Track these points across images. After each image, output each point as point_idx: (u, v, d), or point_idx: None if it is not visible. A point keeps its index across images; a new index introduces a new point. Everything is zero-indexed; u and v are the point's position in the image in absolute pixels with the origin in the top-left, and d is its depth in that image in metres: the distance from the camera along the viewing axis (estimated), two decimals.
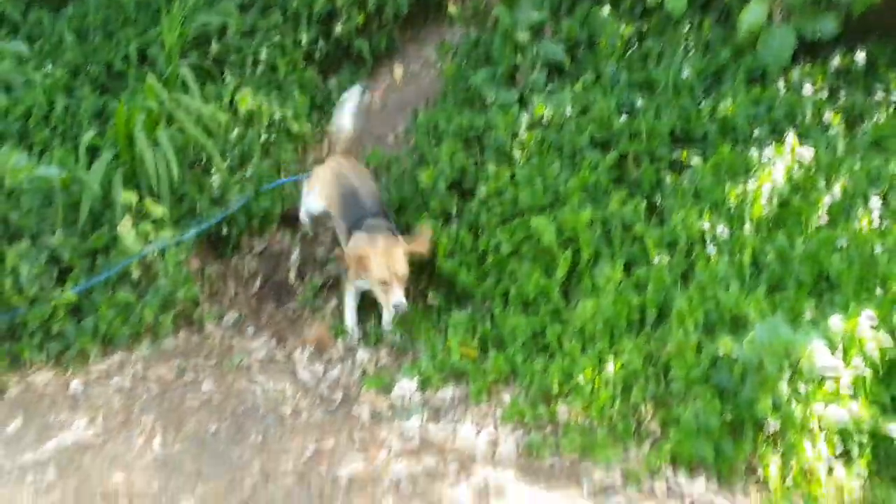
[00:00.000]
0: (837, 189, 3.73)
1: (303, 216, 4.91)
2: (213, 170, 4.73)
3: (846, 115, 4.22)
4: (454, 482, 3.05)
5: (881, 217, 3.56)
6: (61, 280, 4.01)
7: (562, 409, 3.34)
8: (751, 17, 4.62)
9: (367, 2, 5.67)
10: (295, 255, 5.00)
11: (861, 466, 2.77)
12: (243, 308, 4.67)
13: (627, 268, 3.83)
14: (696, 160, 4.18)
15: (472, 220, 4.39)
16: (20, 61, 5.12)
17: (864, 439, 2.80)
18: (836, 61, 4.49)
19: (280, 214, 5.10)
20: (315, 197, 4.68)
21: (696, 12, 5.01)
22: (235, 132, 4.98)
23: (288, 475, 3.17)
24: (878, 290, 3.18)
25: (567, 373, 3.44)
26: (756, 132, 4.18)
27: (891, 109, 4.17)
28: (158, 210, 4.25)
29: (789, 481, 2.80)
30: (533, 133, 4.57)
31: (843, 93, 4.36)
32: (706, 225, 3.78)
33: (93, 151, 4.49)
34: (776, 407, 2.88)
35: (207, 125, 4.85)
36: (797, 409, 2.84)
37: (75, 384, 3.72)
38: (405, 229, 4.62)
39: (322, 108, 5.63)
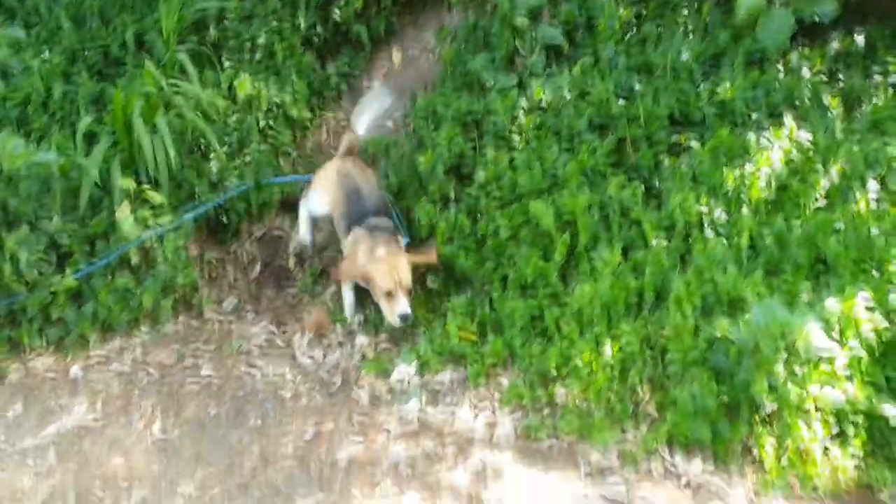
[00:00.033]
0: (835, 172, 3.73)
1: (302, 221, 4.76)
2: (211, 155, 4.72)
3: (845, 98, 4.20)
4: (452, 465, 3.08)
5: (878, 200, 3.56)
6: (60, 266, 4.02)
7: (560, 392, 3.36)
8: None
9: None
10: (294, 241, 5.01)
11: (856, 447, 2.79)
12: (243, 293, 4.68)
13: (625, 251, 3.82)
14: (694, 144, 4.17)
15: (471, 204, 4.39)
16: (18, 48, 5.11)
17: (860, 420, 2.82)
18: (834, 44, 4.47)
19: (279, 200, 5.10)
20: (318, 198, 4.62)
21: None
22: (234, 117, 4.97)
23: (287, 458, 3.19)
24: (875, 273, 3.18)
25: (565, 356, 3.45)
26: (754, 115, 4.17)
27: (889, 92, 4.16)
28: (156, 197, 4.26)
29: (785, 461, 2.82)
30: (531, 117, 4.56)
31: (841, 75, 4.34)
32: (704, 208, 3.78)
33: (91, 137, 4.48)
34: (772, 388, 2.89)
35: (206, 111, 4.85)
36: (793, 391, 2.85)
37: (75, 369, 3.74)
38: (405, 214, 4.63)
39: (321, 93, 5.61)
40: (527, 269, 3.92)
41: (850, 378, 2.88)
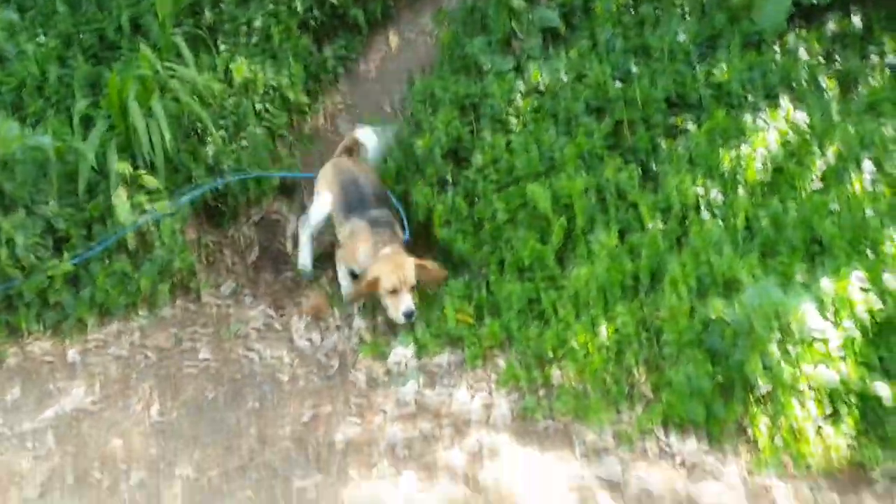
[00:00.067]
0: (831, 153, 3.73)
1: (303, 246, 4.59)
2: (208, 139, 4.72)
3: (841, 80, 4.20)
4: (449, 445, 3.10)
5: (874, 181, 3.56)
6: (58, 250, 4.02)
7: (556, 373, 3.37)
8: None
9: None
10: (292, 225, 5.01)
11: (849, 426, 2.80)
12: (240, 277, 4.68)
13: (622, 234, 3.83)
14: (690, 126, 4.17)
15: (469, 187, 4.39)
16: (12, 31, 5.08)
17: (853, 399, 2.83)
18: (831, 25, 4.47)
19: (277, 185, 5.10)
20: (321, 200, 4.54)
21: None
22: (230, 101, 4.95)
23: (285, 439, 3.21)
24: (870, 253, 3.19)
25: (561, 338, 3.46)
26: (751, 97, 4.17)
27: (886, 73, 4.15)
28: (152, 181, 4.25)
29: (778, 441, 2.84)
30: (529, 100, 4.56)
31: (838, 57, 4.33)
32: (700, 190, 3.78)
33: (87, 121, 4.47)
34: (766, 368, 2.91)
35: (202, 94, 4.83)
36: (787, 371, 2.87)
37: (73, 353, 3.75)
38: (404, 198, 4.62)
39: (317, 76, 5.59)
40: (524, 252, 3.92)
41: (843, 358, 2.90)
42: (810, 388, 2.88)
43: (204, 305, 4.27)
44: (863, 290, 3.00)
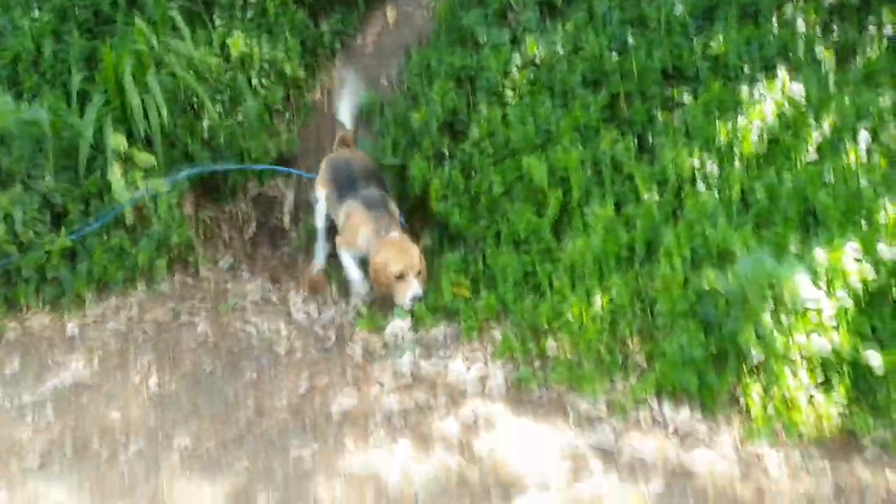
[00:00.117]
0: (827, 125, 3.72)
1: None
2: (204, 114, 4.71)
3: (839, 51, 4.16)
4: (444, 415, 3.12)
5: (869, 151, 3.55)
6: (55, 225, 4.04)
7: (551, 345, 3.40)
8: None
9: None
10: (289, 200, 5.02)
11: (840, 395, 2.82)
12: (238, 252, 4.70)
13: (618, 206, 3.84)
14: (687, 98, 4.16)
15: (465, 160, 4.39)
16: (6, 6, 5.05)
17: (845, 368, 2.85)
18: None
19: (274, 159, 5.09)
20: (318, 199, 4.51)
21: None
22: (226, 76, 4.94)
23: (282, 410, 3.24)
24: (864, 224, 3.19)
25: (557, 310, 3.48)
26: (747, 69, 4.15)
27: (883, 44, 4.12)
28: (147, 157, 4.25)
29: (770, 410, 2.86)
30: (525, 73, 4.54)
31: (836, 28, 4.30)
32: (696, 162, 3.78)
33: (83, 96, 4.46)
34: (759, 338, 2.92)
35: (198, 69, 4.82)
36: (779, 340, 2.88)
37: (72, 327, 3.77)
38: (401, 171, 4.62)
39: (314, 51, 5.57)
40: (520, 224, 3.93)
41: (836, 328, 2.91)
42: (803, 357, 2.89)
43: (202, 280, 4.30)
44: (856, 260, 3.00)
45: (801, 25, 4.29)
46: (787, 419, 2.83)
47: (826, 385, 2.87)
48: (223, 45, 5.05)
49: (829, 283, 3.00)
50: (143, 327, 3.80)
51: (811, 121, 3.76)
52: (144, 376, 3.45)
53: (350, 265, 4.14)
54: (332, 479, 2.87)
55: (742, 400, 2.94)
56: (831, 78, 3.99)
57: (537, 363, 3.37)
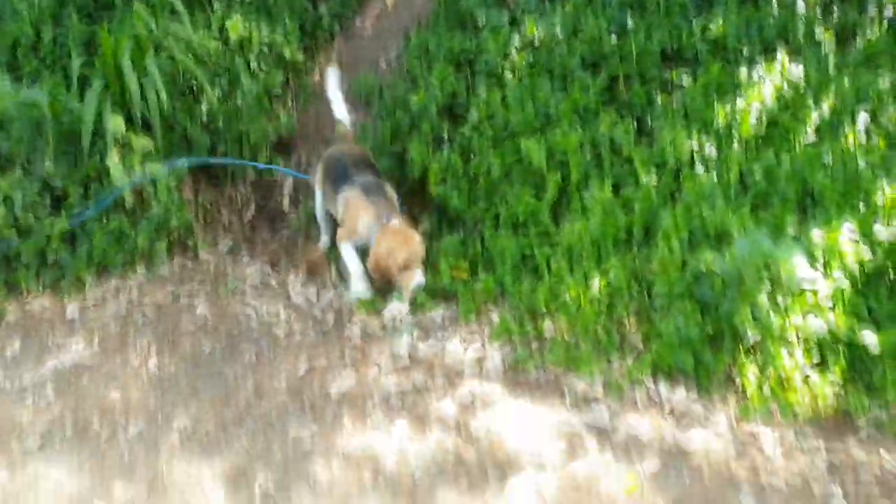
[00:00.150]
0: (826, 107, 3.72)
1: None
2: (203, 97, 4.71)
3: (839, 32, 4.16)
4: (442, 396, 3.14)
5: (868, 133, 3.55)
6: (55, 208, 4.05)
7: (548, 326, 3.40)
8: None
9: None
10: (289, 183, 5.02)
11: (836, 374, 2.83)
12: (237, 235, 4.71)
13: (616, 189, 3.84)
14: (686, 80, 4.15)
15: (464, 144, 4.39)
16: None
17: (841, 348, 2.86)
18: None
19: (273, 143, 5.10)
20: (316, 195, 4.47)
21: None
22: (225, 59, 4.94)
23: (280, 392, 3.26)
24: (861, 205, 3.19)
25: (554, 292, 3.49)
26: (746, 51, 4.14)
27: (883, 26, 4.11)
28: (145, 142, 4.26)
29: (766, 390, 2.87)
30: (524, 55, 4.54)
31: (836, 9, 4.29)
32: (695, 145, 3.78)
33: (83, 81, 4.47)
34: (755, 318, 2.93)
35: (197, 52, 4.82)
36: (776, 321, 2.89)
37: (72, 309, 3.79)
38: (400, 155, 4.61)
39: (313, 34, 5.57)
40: (518, 207, 3.94)
41: (832, 308, 2.92)
42: (799, 337, 2.90)
43: (201, 263, 4.30)
44: (853, 241, 3.01)
45: (800, 7, 4.29)
46: (783, 399, 2.84)
47: (822, 365, 2.88)
48: (222, 29, 5.05)
49: (826, 263, 3.01)
50: (142, 310, 3.81)
51: (810, 103, 3.76)
52: (144, 358, 3.47)
53: (351, 259, 4.01)
54: (330, 459, 2.89)
55: (738, 380, 2.95)
56: (831, 60, 3.99)
57: (535, 345, 3.38)
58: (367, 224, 3.91)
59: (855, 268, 2.97)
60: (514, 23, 4.84)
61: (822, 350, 2.89)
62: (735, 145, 3.74)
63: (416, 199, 4.54)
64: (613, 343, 3.22)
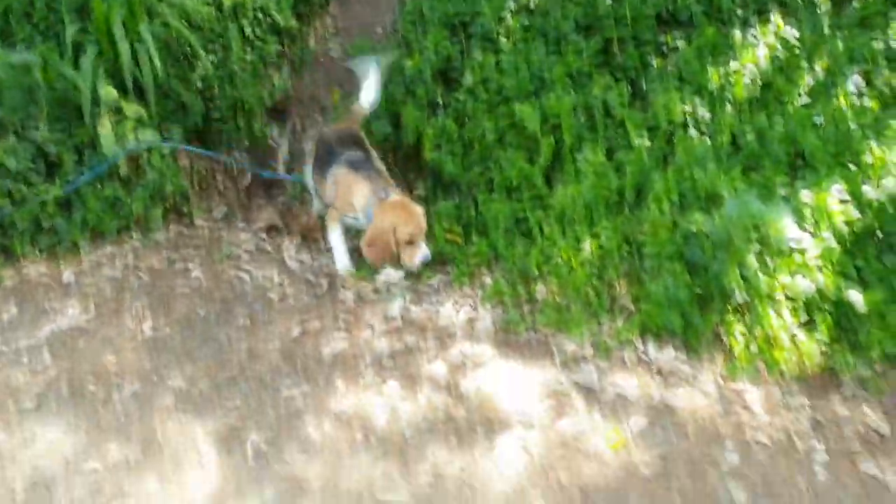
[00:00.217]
0: (819, 68, 3.70)
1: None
2: (197, 64, 4.70)
3: None
4: (433, 357, 3.17)
5: (861, 94, 3.54)
6: (49, 175, 4.06)
7: (540, 289, 3.42)
8: None
9: None
10: (284, 149, 5.02)
11: (823, 333, 2.85)
12: (232, 202, 4.72)
13: (609, 152, 3.84)
14: (680, 43, 4.13)
15: (458, 109, 4.38)
16: None
17: (828, 308, 2.87)
18: None
19: (269, 109, 5.09)
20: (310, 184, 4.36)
21: None
22: (219, 25, 4.91)
23: (274, 354, 3.29)
24: (852, 166, 3.19)
25: (546, 255, 3.50)
26: (741, 13, 4.11)
27: None
28: (136, 108, 4.25)
29: (753, 348, 2.89)
30: (518, 18, 4.51)
31: None
32: (688, 108, 3.77)
33: (77, 48, 4.45)
34: (744, 279, 2.94)
35: (190, 18, 4.79)
36: (764, 281, 2.91)
37: (68, 274, 3.81)
38: (395, 121, 4.60)
39: (308, 1, 5.53)
40: (512, 172, 3.95)
41: (820, 268, 2.93)
42: (787, 297, 2.92)
43: (197, 229, 4.32)
44: (842, 201, 3.01)
45: None
46: (770, 357, 2.86)
47: (809, 324, 2.90)
48: None
49: (815, 224, 3.01)
50: (137, 274, 3.83)
51: (804, 64, 3.74)
52: (139, 321, 3.49)
53: (337, 245, 3.95)
54: (322, 419, 2.92)
55: (725, 339, 2.97)
56: (826, 21, 3.96)
57: (526, 307, 3.40)
58: (364, 197, 3.81)
59: (843, 228, 2.98)
60: None
61: (810, 309, 2.91)
62: (728, 108, 3.74)
63: (410, 165, 4.55)
64: (603, 305, 3.24)
